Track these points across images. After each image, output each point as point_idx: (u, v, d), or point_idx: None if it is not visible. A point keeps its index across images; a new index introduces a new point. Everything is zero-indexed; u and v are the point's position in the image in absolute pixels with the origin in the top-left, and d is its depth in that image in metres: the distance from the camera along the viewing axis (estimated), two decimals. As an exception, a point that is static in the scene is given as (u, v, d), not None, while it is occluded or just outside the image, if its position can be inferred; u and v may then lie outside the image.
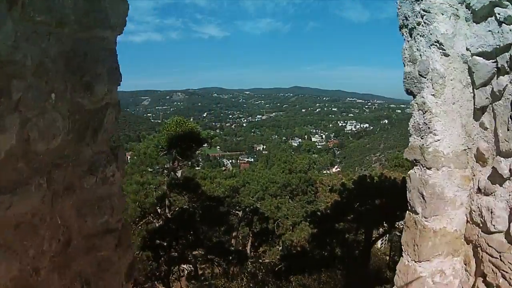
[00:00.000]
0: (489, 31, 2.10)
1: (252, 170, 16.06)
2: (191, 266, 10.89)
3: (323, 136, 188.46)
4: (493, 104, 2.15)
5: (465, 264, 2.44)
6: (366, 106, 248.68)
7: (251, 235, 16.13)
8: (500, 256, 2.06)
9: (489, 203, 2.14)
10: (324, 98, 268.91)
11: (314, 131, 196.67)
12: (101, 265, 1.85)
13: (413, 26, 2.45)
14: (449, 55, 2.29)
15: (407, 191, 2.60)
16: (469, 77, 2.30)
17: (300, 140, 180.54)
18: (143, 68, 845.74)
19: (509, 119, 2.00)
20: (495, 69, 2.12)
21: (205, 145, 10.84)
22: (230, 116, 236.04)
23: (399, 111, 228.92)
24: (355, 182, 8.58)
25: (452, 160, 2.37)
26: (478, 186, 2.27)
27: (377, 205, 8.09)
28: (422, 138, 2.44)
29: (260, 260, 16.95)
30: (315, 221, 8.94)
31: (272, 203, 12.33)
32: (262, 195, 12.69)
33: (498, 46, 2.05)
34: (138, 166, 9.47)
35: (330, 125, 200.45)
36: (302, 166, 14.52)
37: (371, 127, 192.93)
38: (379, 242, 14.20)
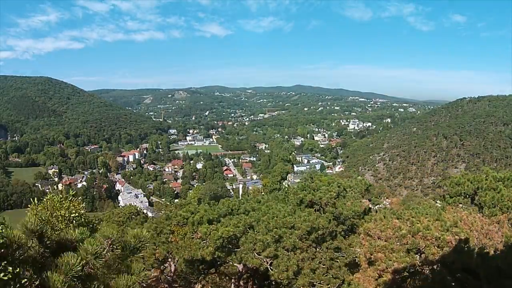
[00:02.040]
0: None
1: (257, 201, 11.66)
2: None
3: (326, 135, 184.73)
4: None
5: None
6: (369, 105, 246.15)
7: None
8: None
9: None
10: (327, 97, 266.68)
11: (317, 130, 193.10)
12: None
13: None
14: None
15: None
16: None
17: (302, 139, 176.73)
18: (145, 66, 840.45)
19: None
20: None
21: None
22: (232, 114, 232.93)
23: (401, 110, 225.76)
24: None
25: None
26: None
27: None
28: None
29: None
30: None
31: (289, 264, 7.99)
32: (274, 249, 8.34)
33: None
34: None
35: (333, 124, 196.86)
36: (329, 196, 10.13)
37: (374, 126, 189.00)
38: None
